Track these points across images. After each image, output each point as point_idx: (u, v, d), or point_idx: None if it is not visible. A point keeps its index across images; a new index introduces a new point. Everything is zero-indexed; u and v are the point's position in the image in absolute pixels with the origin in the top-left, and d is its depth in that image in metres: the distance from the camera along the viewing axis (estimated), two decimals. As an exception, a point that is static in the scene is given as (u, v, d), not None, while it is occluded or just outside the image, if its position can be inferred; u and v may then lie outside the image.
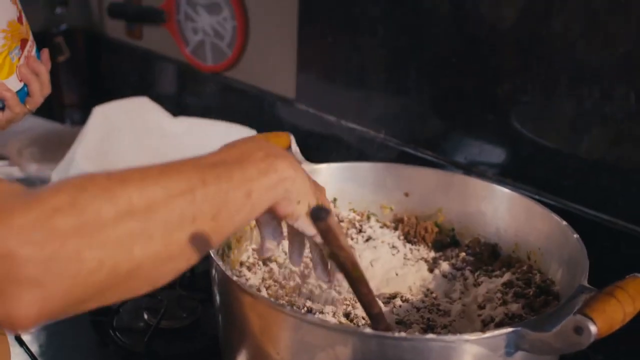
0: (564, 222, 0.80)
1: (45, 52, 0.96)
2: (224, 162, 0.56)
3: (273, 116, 1.33)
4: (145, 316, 0.90)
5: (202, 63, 1.47)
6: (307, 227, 0.64)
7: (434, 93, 1.07)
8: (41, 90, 0.93)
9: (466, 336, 0.59)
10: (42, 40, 1.67)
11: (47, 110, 1.69)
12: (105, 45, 1.76)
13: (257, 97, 1.36)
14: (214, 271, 0.72)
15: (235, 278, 0.67)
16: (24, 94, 0.91)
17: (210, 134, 1.29)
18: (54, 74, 1.68)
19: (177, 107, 1.54)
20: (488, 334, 0.59)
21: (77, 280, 0.43)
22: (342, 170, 0.94)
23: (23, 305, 0.41)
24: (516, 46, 0.95)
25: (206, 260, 1.04)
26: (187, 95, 1.56)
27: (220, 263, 0.68)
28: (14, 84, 0.88)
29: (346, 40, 1.17)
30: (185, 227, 0.50)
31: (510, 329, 0.60)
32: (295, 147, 0.93)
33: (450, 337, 0.59)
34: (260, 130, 1.29)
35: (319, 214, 0.48)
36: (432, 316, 0.76)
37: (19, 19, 0.88)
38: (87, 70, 1.73)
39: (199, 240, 0.51)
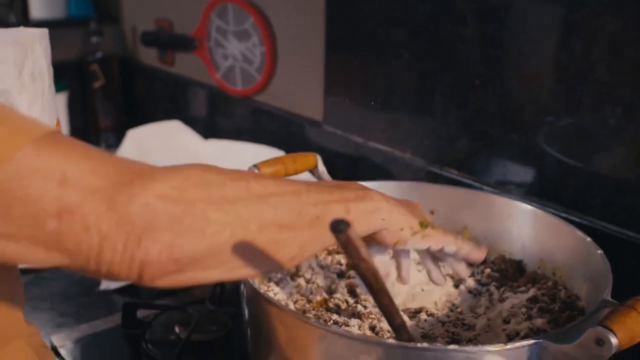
0: (588, 238, 0.81)
1: None
2: (322, 185, 0.63)
3: (301, 138, 1.36)
4: (177, 329, 0.92)
5: (232, 87, 1.51)
6: (419, 244, 0.71)
7: (459, 114, 1.09)
8: None
9: (488, 347, 0.60)
10: (79, 67, 1.73)
11: (83, 134, 1.74)
12: (139, 71, 1.81)
13: (286, 119, 1.40)
14: (242, 286, 0.74)
15: (263, 291, 0.69)
16: None
17: (241, 156, 1.32)
18: (90, 99, 1.74)
19: (208, 130, 1.58)
20: (510, 346, 0.60)
21: (201, 236, 0.49)
22: (368, 189, 0.95)
23: (156, 250, 0.47)
24: (539, 67, 0.97)
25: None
26: (218, 118, 1.60)
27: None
28: None
29: (372, 64, 1.19)
30: (292, 223, 0.55)
31: (532, 341, 0.61)
32: (322, 167, 0.95)
33: (472, 348, 0.61)
34: (288, 151, 1.32)
35: (337, 227, 0.50)
36: (457, 330, 0.77)
37: None
38: (121, 96, 1.79)
39: (296, 246, 0.56)
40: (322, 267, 0.89)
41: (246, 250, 0.52)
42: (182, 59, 1.66)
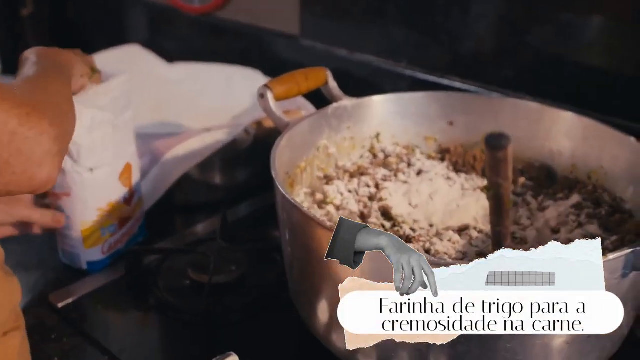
0: (632, 138, 0.77)
1: None
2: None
3: (274, 55, 1.26)
4: (190, 273, 0.83)
5: (187, 4, 1.37)
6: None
7: (463, 17, 1.02)
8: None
9: (589, 260, 0.56)
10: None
11: (15, 68, 1.56)
12: (70, -7, 1.62)
13: (255, 36, 1.28)
14: (281, 211, 0.67)
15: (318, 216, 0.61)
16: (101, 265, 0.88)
17: (213, 79, 1.21)
18: (17, 29, 1.55)
19: (159, 56, 1.44)
20: (610, 257, 0.56)
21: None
22: (385, 104, 0.88)
23: (49, 170, 0.54)
24: None
25: (238, 206, 1.00)
26: (170, 41, 1.46)
27: (297, 201, 0.62)
28: (96, 255, 0.86)
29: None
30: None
31: (628, 250, 0.57)
32: (332, 82, 0.87)
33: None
34: (264, 71, 1.21)
35: (499, 142, 0.43)
36: (511, 245, 0.73)
37: (126, 201, 0.88)
38: (54, 23, 1.60)
39: None
40: (349, 191, 0.81)
41: None
42: (123, -24, 1.49)
